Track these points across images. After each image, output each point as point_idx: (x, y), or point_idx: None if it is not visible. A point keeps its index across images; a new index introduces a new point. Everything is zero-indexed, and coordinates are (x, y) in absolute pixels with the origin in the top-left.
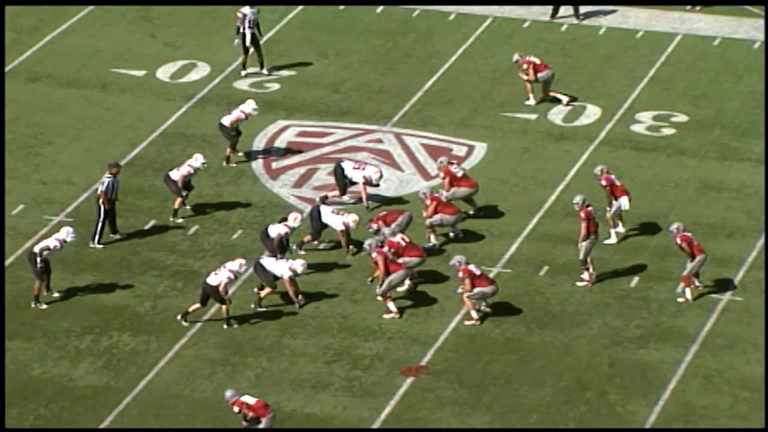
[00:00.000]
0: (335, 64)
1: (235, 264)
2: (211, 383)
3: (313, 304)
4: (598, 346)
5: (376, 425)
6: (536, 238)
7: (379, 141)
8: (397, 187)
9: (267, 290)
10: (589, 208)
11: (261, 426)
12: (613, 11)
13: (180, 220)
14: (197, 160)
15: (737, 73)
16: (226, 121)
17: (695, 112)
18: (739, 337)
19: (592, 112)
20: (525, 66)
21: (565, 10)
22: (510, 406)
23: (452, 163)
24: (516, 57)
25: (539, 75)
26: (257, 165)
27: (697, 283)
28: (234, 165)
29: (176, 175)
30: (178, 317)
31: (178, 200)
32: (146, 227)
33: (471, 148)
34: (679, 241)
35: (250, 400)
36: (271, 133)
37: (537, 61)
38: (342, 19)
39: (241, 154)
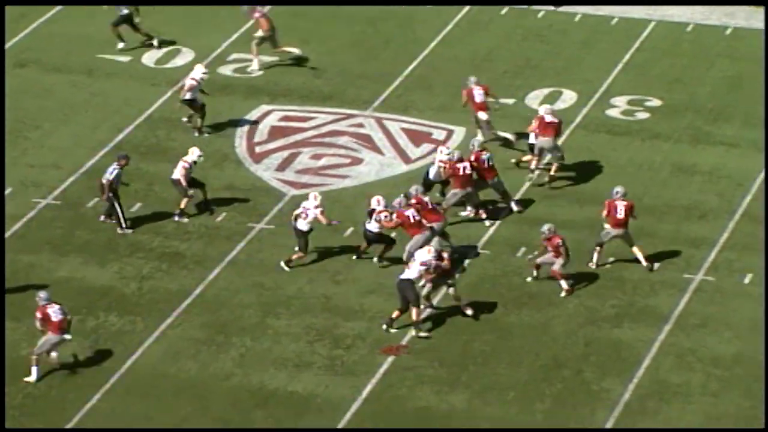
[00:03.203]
0: (317, 50)
1: (423, 253)
2: (196, 363)
3: (295, 285)
4: (574, 325)
5: (357, 403)
6: (514, 220)
7: (360, 125)
8: (378, 170)
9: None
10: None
11: (46, 340)
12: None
13: (185, 220)
14: (193, 153)
15: (710, 58)
16: (187, 95)
17: (669, 96)
18: (711, 316)
19: (568, 97)
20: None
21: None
22: (488, 384)
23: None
24: (473, 80)
25: (479, 113)
26: (241, 149)
27: (565, 286)
28: (207, 134)
29: (177, 174)
30: (383, 327)
31: (185, 200)
32: (132, 209)
33: (450, 133)
34: (555, 240)
35: (54, 316)
36: (255, 118)
37: (479, 99)
38: (324, 6)
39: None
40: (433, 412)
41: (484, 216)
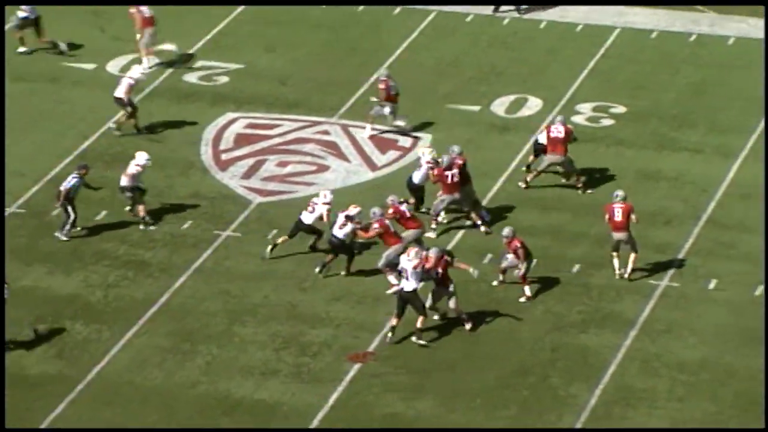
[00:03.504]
0: (283, 58)
1: (406, 260)
2: (162, 371)
3: (262, 293)
4: (540, 331)
5: (324, 411)
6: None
7: (326, 133)
8: (344, 177)
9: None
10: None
11: None
12: (555, 5)
13: (152, 228)
14: (140, 157)
15: (674, 65)
16: (120, 93)
17: (633, 103)
18: (677, 322)
19: (533, 104)
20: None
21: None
22: (455, 390)
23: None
24: (384, 73)
25: (385, 107)
26: (206, 156)
27: (527, 292)
28: (118, 133)
29: (127, 181)
30: (388, 335)
31: (142, 207)
32: (97, 217)
33: (416, 139)
34: (514, 244)
35: None
36: (220, 125)
37: (392, 92)
38: (289, 14)
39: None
40: (399, 418)
41: (479, 222)
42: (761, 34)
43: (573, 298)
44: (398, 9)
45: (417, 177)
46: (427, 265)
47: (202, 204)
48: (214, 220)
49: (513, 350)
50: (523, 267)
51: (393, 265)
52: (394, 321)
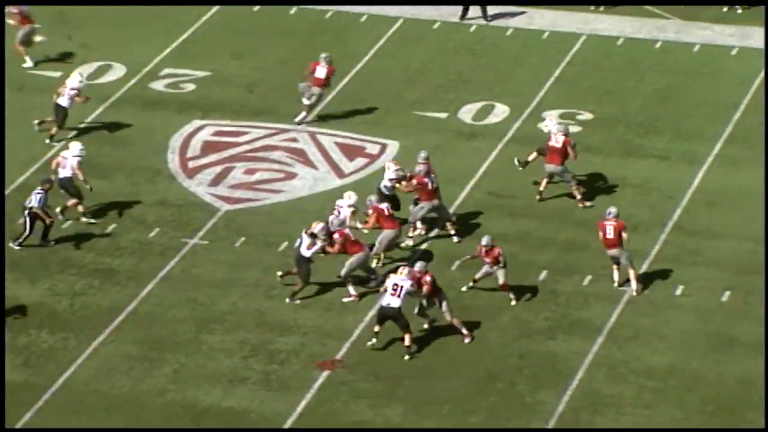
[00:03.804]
0: (250, 65)
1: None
2: (129, 379)
3: (229, 300)
4: (508, 338)
5: (292, 418)
6: (448, 233)
7: (294, 140)
8: (311, 185)
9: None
10: (497, 250)
11: None
12: (521, 12)
13: (93, 220)
14: (74, 147)
15: (640, 72)
16: (64, 101)
17: (600, 110)
18: (644, 328)
19: (500, 111)
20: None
21: (474, 11)
22: (424, 397)
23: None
24: (324, 56)
25: (314, 87)
26: (173, 164)
27: (512, 297)
28: (56, 144)
29: (68, 173)
30: (372, 341)
31: (74, 201)
32: (63, 226)
33: (384, 147)
34: (496, 251)
35: None
36: (187, 133)
37: (320, 75)
38: (256, 21)
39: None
40: (368, 425)
41: (452, 232)
42: (726, 41)
43: (540, 305)
44: (365, 16)
45: (383, 187)
46: (424, 286)
47: (169, 212)
48: (182, 228)
49: (481, 357)
50: (502, 274)
51: (355, 276)
52: (376, 327)
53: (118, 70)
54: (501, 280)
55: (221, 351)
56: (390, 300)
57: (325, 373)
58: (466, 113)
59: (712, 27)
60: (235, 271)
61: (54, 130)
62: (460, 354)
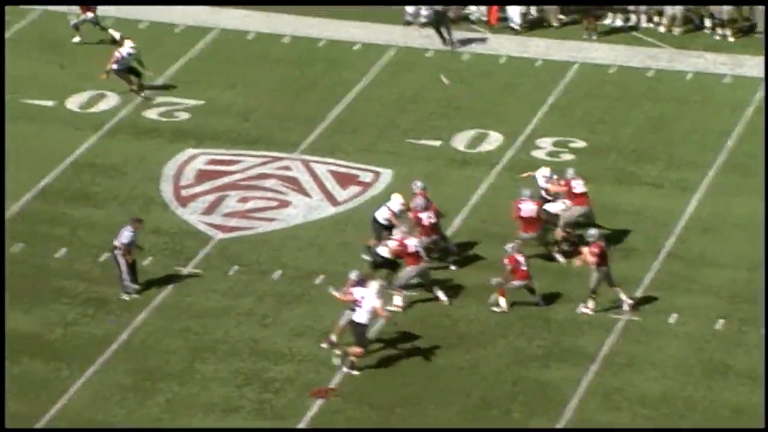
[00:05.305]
0: (244, 94)
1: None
2: (122, 409)
3: (223, 329)
4: (501, 365)
5: None
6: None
7: (288, 168)
8: (305, 213)
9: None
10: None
11: None
12: (513, 40)
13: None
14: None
15: (632, 99)
16: (121, 65)
17: (593, 138)
18: (637, 355)
19: (493, 139)
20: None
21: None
22: (418, 425)
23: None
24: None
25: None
26: (167, 192)
27: (501, 303)
28: (143, 95)
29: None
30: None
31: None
32: (57, 255)
33: (377, 174)
34: (507, 261)
35: None
36: (181, 161)
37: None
38: (250, 50)
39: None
40: None
41: (450, 261)
42: (719, 69)
43: (534, 332)
44: (358, 45)
45: (380, 216)
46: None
47: (162, 240)
48: (175, 257)
49: (475, 384)
50: (516, 283)
51: (406, 287)
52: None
53: (110, 100)
54: (510, 284)
55: (215, 380)
56: (356, 315)
57: (320, 402)
58: (460, 141)
59: (705, 55)
60: (228, 300)
61: (137, 89)
62: (454, 381)
